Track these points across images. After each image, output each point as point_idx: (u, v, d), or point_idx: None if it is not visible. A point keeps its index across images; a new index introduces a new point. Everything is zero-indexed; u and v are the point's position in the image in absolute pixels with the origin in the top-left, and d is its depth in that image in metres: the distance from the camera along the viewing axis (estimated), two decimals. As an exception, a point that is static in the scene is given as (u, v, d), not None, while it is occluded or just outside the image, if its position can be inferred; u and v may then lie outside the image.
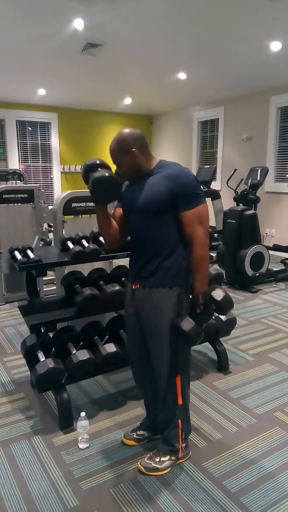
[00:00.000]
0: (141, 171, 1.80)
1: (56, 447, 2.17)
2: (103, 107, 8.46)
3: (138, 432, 2.18)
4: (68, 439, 2.23)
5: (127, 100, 7.88)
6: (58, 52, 5.00)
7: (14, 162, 8.05)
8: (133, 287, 1.91)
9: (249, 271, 4.85)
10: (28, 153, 8.27)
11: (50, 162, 8.53)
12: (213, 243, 5.68)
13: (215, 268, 3.00)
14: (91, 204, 3.20)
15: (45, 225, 5.07)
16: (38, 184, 7.45)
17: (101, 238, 2.69)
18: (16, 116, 7.95)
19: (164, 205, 1.74)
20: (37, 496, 1.85)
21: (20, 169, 7.57)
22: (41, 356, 2.36)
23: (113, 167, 1.82)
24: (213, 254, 5.18)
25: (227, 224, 5.04)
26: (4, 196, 4.35)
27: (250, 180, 5.73)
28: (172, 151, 8.81)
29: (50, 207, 4.69)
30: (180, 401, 1.94)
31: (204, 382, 2.80)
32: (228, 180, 6.19)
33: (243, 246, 4.88)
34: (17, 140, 8.07)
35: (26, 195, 4.48)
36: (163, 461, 1.98)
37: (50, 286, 4.70)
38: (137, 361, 2.05)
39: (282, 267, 5.54)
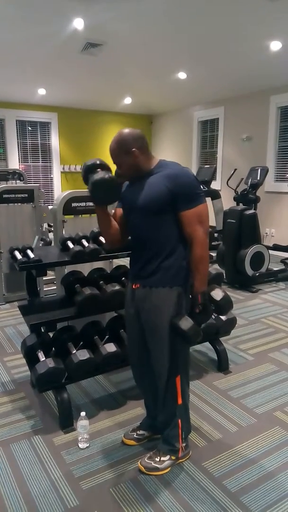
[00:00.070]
0: (141, 171, 1.80)
1: (56, 447, 2.17)
2: (103, 107, 8.46)
3: (138, 432, 2.19)
4: (68, 439, 2.23)
5: (127, 100, 7.88)
6: (58, 52, 5.00)
7: (14, 162, 8.05)
8: (133, 286, 1.91)
9: (249, 271, 4.85)
10: (28, 153, 8.27)
11: (50, 162, 8.53)
12: (213, 243, 5.68)
13: (215, 268, 3.00)
14: (91, 204, 3.19)
15: (45, 225, 5.07)
16: (38, 184, 7.45)
17: (101, 238, 2.69)
18: (16, 116, 7.95)
19: (164, 205, 1.74)
20: (37, 496, 1.85)
21: (20, 169, 7.57)
22: (41, 356, 2.36)
23: (113, 167, 1.82)
24: (213, 254, 5.18)
25: (227, 223, 5.04)
26: (4, 196, 4.35)
27: (250, 180, 5.73)
28: (172, 150, 8.81)
29: (50, 207, 4.69)
30: (180, 401, 1.94)
31: (204, 382, 2.80)
32: (228, 179, 6.19)
33: (243, 245, 4.88)
34: (17, 140, 8.07)
35: (26, 195, 4.48)
36: (163, 461, 1.98)
37: (50, 286, 4.70)
38: (137, 361, 2.05)
39: (282, 266, 5.54)
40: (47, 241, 4.71)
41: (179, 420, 1.96)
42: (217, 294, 2.82)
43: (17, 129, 8.03)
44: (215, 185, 7.19)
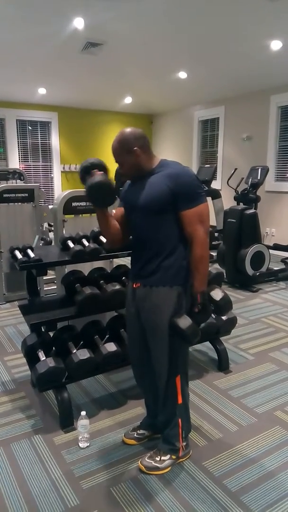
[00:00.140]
0: (142, 170, 1.80)
1: (56, 446, 2.17)
2: (103, 106, 8.46)
3: (138, 431, 2.19)
4: (69, 438, 2.23)
5: (127, 100, 7.87)
6: (58, 52, 4.99)
7: (14, 162, 8.05)
8: (134, 286, 1.92)
9: (249, 270, 4.85)
10: (29, 153, 8.27)
11: (50, 162, 8.53)
12: (213, 242, 5.68)
13: (215, 268, 3.00)
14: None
15: (46, 225, 5.07)
16: (38, 184, 7.46)
17: (102, 237, 2.69)
18: (16, 115, 7.94)
19: (165, 204, 1.74)
20: (37, 495, 1.85)
21: (20, 169, 7.57)
22: (41, 355, 2.36)
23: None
24: (214, 254, 5.18)
25: (227, 223, 5.04)
26: (5, 195, 4.35)
27: (250, 179, 5.73)
28: (173, 150, 8.81)
29: (50, 207, 4.69)
30: (180, 400, 1.94)
31: (204, 381, 2.80)
32: (229, 179, 6.19)
33: (243, 245, 4.88)
34: (17, 139, 8.07)
35: (27, 195, 4.48)
36: (164, 460, 1.98)
37: (50, 286, 4.70)
38: (138, 360, 2.05)
39: (282, 266, 5.54)
40: (47, 241, 4.72)
41: (179, 420, 1.96)
42: (217, 294, 2.83)
43: (17, 129, 8.02)
44: (215, 185, 7.19)
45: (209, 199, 6.37)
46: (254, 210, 5.06)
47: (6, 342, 3.47)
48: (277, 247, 5.98)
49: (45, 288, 4.61)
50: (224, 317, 2.90)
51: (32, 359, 2.40)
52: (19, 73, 5.95)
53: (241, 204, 5.51)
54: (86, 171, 1.82)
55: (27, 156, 8.26)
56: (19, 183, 6.41)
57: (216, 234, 6.38)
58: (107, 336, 2.65)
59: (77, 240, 2.69)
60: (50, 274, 4.68)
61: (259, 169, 5.77)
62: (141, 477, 1.95)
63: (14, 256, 2.59)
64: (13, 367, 3.04)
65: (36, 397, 2.63)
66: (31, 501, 1.82)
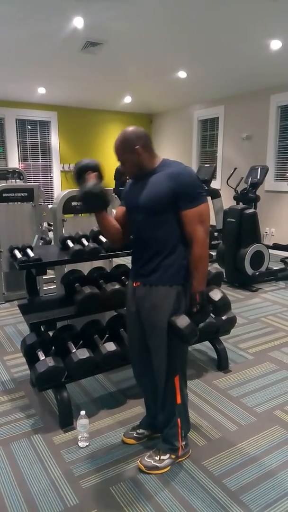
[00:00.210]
0: (144, 169, 1.80)
1: (56, 446, 2.17)
2: (103, 105, 8.45)
3: (138, 431, 2.19)
4: (68, 438, 2.23)
5: (127, 99, 7.87)
6: (58, 51, 4.99)
7: (13, 161, 8.05)
8: (134, 284, 1.92)
9: (249, 270, 4.85)
10: (28, 152, 8.27)
11: (50, 161, 8.53)
12: (213, 242, 5.69)
13: (215, 267, 3.00)
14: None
15: (45, 224, 5.06)
16: (38, 183, 7.45)
17: (101, 237, 2.69)
18: (15, 114, 7.94)
19: (166, 204, 1.74)
20: (37, 495, 1.85)
21: (20, 168, 7.57)
22: (41, 355, 2.36)
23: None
24: (213, 253, 5.19)
25: (227, 223, 5.04)
26: (4, 195, 4.35)
27: (250, 179, 5.73)
28: (172, 149, 8.80)
29: (50, 206, 4.69)
30: (179, 400, 1.94)
31: (204, 381, 2.80)
32: (228, 179, 6.19)
33: (243, 245, 4.88)
34: (17, 138, 8.06)
35: (26, 194, 4.48)
36: (163, 460, 1.98)
37: (50, 285, 4.70)
38: (138, 360, 2.05)
39: (282, 266, 5.54)
40: (47, 240, 4.71)
41: (178, 420, 1.96)
42: (216, 294, 2.84)
43: (16, 128, 8.02)
44: (215, 184, 7.19)
45: (208, 198, 6.36)
46: (254, 210, 5.06)
47: (6, 341, 3.47)
48: (276, 246, 5.98)
49: (44, 288, 4.61)
50: (223, 317, 2.90)
51: (31, 359, 2.40)
52: (19, 72, 5.95)
53: (241, 203, 5.51)
54: (80, 174, 1.84)
55: (26, 155, 8.25)
56: (19, 183, 6.41)
57: (215, 234, 6.39)
58: (106, 335, 2.64)
59: (76, 240, 2.69)
60: (50, 274, 4.68)
61: (259, 169, 5.77)
62: (141, 476, 1.95)
63: (14, 256, 2.58)
64: (13, 366, 3.03)
65: (35, 397, 2.63)
66: (31, 501, 1.82)
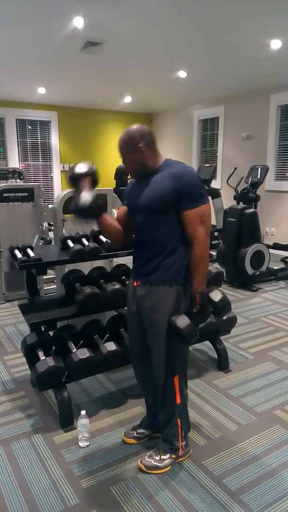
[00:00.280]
0: (147, 168, 1.80)
1: (56, 446, 2.17)
2: (103, 105, 8.45)
3: (138, 431, 2.19)
4: (69, 438, 2.23)
5: (127, 99, 7.87)
6: (58, 51, 4.99)
7: (14, 161, 8.05)
8: (135, 284, 1.92)
9: (249, 270, 4.85)
10: (28, 152, 8.27)
11: (50, 161, 8.53)
12: (213, 242, 5.69)
13: (215, 267, 3.00)
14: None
15: (45, 224, 5.07)
16: (38, 183, 7.45)
17: (102, 237, 2.69)
18: (16, 114, 7.94)
19: (168, 204, 1.74)
20: (37, 494, 1.85)
21: (20, 168, 7.56)
22: (41, 355, 2.36)
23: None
24: (213, 253, 5.18)
25: (227, 222, 5.04)
26: (4, 194, 4.35)
27: (250, 179, 5.72)
28: (172, 149, 8.80)
29: (50, 206, 4.69)
30: (178, 400, 1.94)
31: (204, 381, 2.80)
32: (229, 178, 6.18)
33: (243, 244, 4.88)
34: (17, 138, 8.07)
35: (26, 194, 4.48)
36: (163, 459, 1.98)
37: (50, 285, 4.70)
38: (138, 359, 2.06)
39: (282, 265, 5.54)
40: (47, 240, 4.71)
41: (178, 420, 1.96)
42: (216, 295, 2.84)
43: (17, 128, 8.02)
44: (215, 184, 7.18)
45: (209, 198, 6.36)
46: (254, 210, 5.06)
47: (6, 341, 3.47)
48: (277, 246, 5.98)
49: (45, 288, 4.61)
50: (224, 317, 2.90)
51: (32, 359, 2.40)
52: (19, 72, 5.95)
53: (241, 203, 5.51)
54: (74, 181, 1.84)
55: (26, 155, 8.26)
56: (19, 183, 6.41)
57: (216, 234, 6.39)
58: (107, 335, 2.65)
59: (76, 240, 2.69)
60: (50, 274, 4.68)
61: (259, 168, 5.76)
62: (141, 476, 1.95)
63: (14, 256, 2.58)
64: (13, 366, 3.04)
65: (36, 397, 2.63)
66: (31, 500, 1.82)
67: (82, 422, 2.15)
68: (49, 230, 5.08)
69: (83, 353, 2.35)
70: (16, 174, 6.53)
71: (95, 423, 2.33)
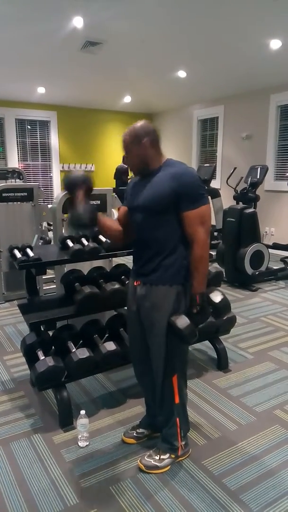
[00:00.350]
0: (148, 166, 1.80)
1: (56, 445, 2.17)
2: (103, 105, 8.45)
3: (138, 430, 2.19)
4: (68, 437, 2.23)
5: (127, 99, 7.87)
6: (58, 51, 4.99)
7: (13, 161, 8.04)
8: (135, 283, 1.93)
9: (248, 270, 4.85)
10: (28, 152, 8.27)
11: (49, 161, 8.53)
12: (212, 242, 5.69)
13: (214, 267, 3.00)
14: (91, 202, 3.21)
15: (45, 224, 5.06)
16: (37, 183, 7.45)
17: (101, 237, 2.69)
18: (15, 114, 7.94)
19: (168, 204, 1.74)
20: (37, 494, 1.85)
21: (20, 168, 7.56)
22: (40, 355, 2.36)
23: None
24: (213, 253, 5.18)
25: (227, 222, 5.04)
26: (4, 194, 4.35)
27: (250, 179, 5.72)
28: (172, 149, 8.79)
29: (49, 206, 4.68)
30: (177, 400, 1.94)
31: (204, 380, 2.80)
32: (228, 178, 6.19)
33: (242, 244, 4.88)
34: (17, 138, 8.06)
35: (26, 194, 4.48)
36: (163, 459, 1.98)
37: (49, 285, 4.70)
38: (138, 359, 2.06)
39: (281, 265, 5.54)
40: (46, 240, 4.71)
41: (177, 419, 1.96)
42: (216, 296, 2.84)
43: (16, 128, 8.02)
44: (214, 184, 7.18)
45: (208, 198, 6.36)
46: (254, 209, 5.06)
47: (5, 341, 3.47)
48: (276, 246, 5.98)
49: (44, 287, 4.60)
50: (223, 317, 2.89)
51: (31, 358, 2.40)
52: (18, 72, 5.95)
53: (241, 203, 5.50)
54: (70, 190, 1.86)
55: (26, 155, 8.25)
56: (18, 182, 6.40)
57: (215, 233, 6.38)
58: (106, 335, 2.64)
59: (76, 239, 2.68)
60: (50, 273, 4.67)
61: (259, 168, 5.76)
62: (141, 476, 1.95)
63: (13, 255, 2.58)
64: (12, 366, 3.03)
65: (35, 396, 2.63)
66: (31, 500, 1.82)
67: (82, 422, 2.15)
68: (49, 230, 5.08)
69: (82, 353, 2.35)
70: (16, 174, 6.53)
71: (94, 423, 2.33)
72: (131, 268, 2.04)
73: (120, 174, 7.62)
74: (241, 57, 5.23)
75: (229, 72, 5.99)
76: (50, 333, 2.60)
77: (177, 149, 8.65)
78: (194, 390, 2.67)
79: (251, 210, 4.95)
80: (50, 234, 4.93)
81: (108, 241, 2.57)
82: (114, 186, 7.83)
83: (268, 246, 5.18)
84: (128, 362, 2.45)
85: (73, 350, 2.40)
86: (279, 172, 6.72)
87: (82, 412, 2.17)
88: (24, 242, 2.73)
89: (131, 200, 1.90)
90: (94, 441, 2.19)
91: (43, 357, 2.32)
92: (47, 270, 3.50)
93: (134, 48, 4.97)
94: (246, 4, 3.69)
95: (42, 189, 5.38)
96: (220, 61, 5.46)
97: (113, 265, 2.92)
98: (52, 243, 4.35)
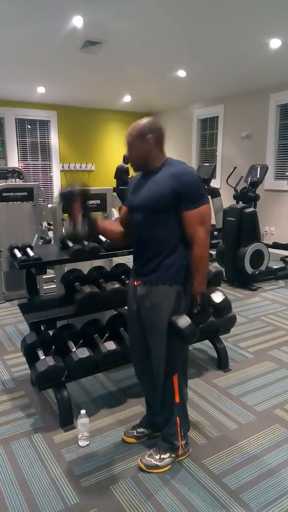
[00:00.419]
0: (149, 163, 1.80)
1: (56, 445, 2.17)
2: (103, 105, 8.45)
3: (138, 430, 2.19)
4: (68, 437, 2.23)
5: (127, 98, 7.87)
6: (57, 50, 4.99)
7: (13, 160, 8.05)
8: (135, 283, 1.93)
9: (248, 269, 4.85)
10: (28, 151, 8.27)
11: (49, 160, 8.53)
12: (212, 241, 5.69)
13: (214, 266, 3.00)
14: (91, 202, 3.21)
15: (45, 223, 5.06)
16: (37, 182, 7.45)
17: (101, 236, 2.69)
18: (15, 114, 7.94)
19: (168, 204, 1.74)
20: (37, 494, 1.85)
21: (20, 167, 7.56)
22: (41, 354, 2.36)
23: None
24: (213, 252, 5.18)
25: (226, 222, 5.04)
26: (4, 194, 4.35)
27: (249, 178, 5.72)
28: (172, 149, 8.79)
29: (49, 205, 4.69)
30: (177, 399, 1.94)
31: (204, 380, 2.80)
32: (228, 178, 6.19)
33: (242, 244, 4.88)
34: (17, 138, 8.06)
35: (26, 193, 4.48)
36: (163, 459, 1.98)
37: (50, 284, 4.70)
38: (139, 358, 2.06)
39: (281, 265, 5.54)
40: (46, 239, 4.71)
41: (177, 418, 1.96)
42: (218, 296, 2.83)
43: (16, 128, 8.02)
44: (214, 183, 7.19)
45: (208, 197, 6.36)
46: (254, 209, 5.06)
47: (6, 341, 3.47)
48: (276, 245, 5.98)
49: (44, 287, 4.61)
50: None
51: (31, 358, 2.40)
52: (18, 71, 5.94)
53: (241, 202, 5.51)
54: (67, 203, 1.88)
55: (26, 155, 8.25)
56: (18, 182, 6.40)
57: (215, 233, 6.39)
58: (106, 334, 2.65)
59: (76, 239, 2.68)
60: (50, 273, 4.68)
61: (259, 168, 5.76)
62: (141, 475, 1.95)
63: (14, 255, 2.58)
64: (13, 366, 3.04)
65: (35, 396, 2.63)
66: (31, 500, 1.82)
67: (82, 421, 2.15)
68: (49, 230, 5.08)
69: (82, 353, 2.35)
70: (16, 173, 6.53)
71: (95, 423, 2.34)
72: (131, 267, 2.04)
73: (120, 174, 7.61)
74: (241, 56, 5.22)
75: (229, 72, 5.98)
76: (50, 332, 2.61)
77: (177, 149, 8.64)
78: (194, 390, 2.67)
79: (251, 209, 4.95)
80: (50, 233, 4.93)
81: (108, 240, 2.58)
82: (115, 186, 7.83)
83: (268, 246, 5.18)
84: (128, 361, 2.46)
85: (73, 350, 2.40)
86: (279, 171, 6.72)
87: (83, 411, 2.17)
88: (24, 242, 2.74)
89: (131, 200, 1.90)
90: (95, 441, 2.19)
91: (44, 357, 2.32)
92: (47, 269, 3.50)
93: (134, 48, 4.97)
94: (246, 4, 3.68)
95: (42, 188, 5.38)
96: (220, 60, 5.45)
97: (113, 265, 2.92)
98: (52, 242, 4.35)
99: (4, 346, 3.38)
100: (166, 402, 1.95)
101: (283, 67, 5.62)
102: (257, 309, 4.21)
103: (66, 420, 2.32)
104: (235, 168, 6.20)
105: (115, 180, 7.85)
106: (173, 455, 2.01)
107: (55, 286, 4.20)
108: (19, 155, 8.15)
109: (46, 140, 8.42)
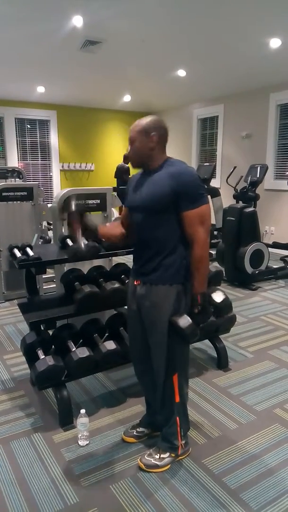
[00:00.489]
0: (150, 161, 1.80)
1: (56, 444, 2.17)
2: (103, 104, 8.45)
3: (138, 429, 2.19)
4: (68, 436, 2.23)
5: (127, 98, 7.86)
6: (57, 50, 4.99)
7: (13, 160, 8.04)
8: (135, 283, 1.93)
9: (248, 269, 4.85)
10: (27, 151, 8.26)
11: (49, 160, 8.52)
12: (212, 241, 5.69)
13: (214, 266, 3.00)
14: (91, 202, 3.22)
15: (45, 223, 5.07)
16: (37, 182, 7.44)
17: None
18: (15, 113, 7.93)
19: (168, 203, 1.74)
20: (37, 493, 1.85)
21: (19, 167, 7.55)
22: (40, 354, 2.36)
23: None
24: (213, 252, 5.18)
25: (226, 221, 5.04)
26: (3, 194, 4.35)
27: (249, 178, 5.72)
28: (172, 148, 8.75)
29: (49, 205, 4.68)
30: (177, 399, 1.94)
31: (204, 379, 2.80)
32: (228, 177, 6.18)
33: (242, 243, 4.88)
34: (16, 137, 8.06)
35: (26, 193, 4.48)
36: (163, 458, 1.98)
37: (49, 284, 4.70)
38: (139, 357, 2.06)
39: (281, 264, 5.54)
40: (46, 239, 4.71)
41: (177, 418, 1.96)
42: (218, 296, 2.83)
43: (16, 127, 8.01)
44: (214, 183, 7.18)
45: (208, 197, 6.36)
46: (253, 208, 5.06)
47: (5, 340, 3.47)
48: (276, 245, 5.98)
49: (44, 287, 4.61)
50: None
51: (31, 358, 2.40)
52: (18, 71, 5.94)
53: (240, 202, 5.50)
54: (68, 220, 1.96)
55: (26, 154, 8.25)
56: (18, 182, 6.40)
57: (215, 232, 6.38)
58: (106, 334, 2.65)
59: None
60: (49, 273, 4.67)
61: (258, 167, 5.76)
62: (141, 474, 1.95)
63: (13, 255, 2.58)
64: (13, 365, 3.04)
65: (35, 396, 2.63)
66: (31, 499, 1.82)
67: (82, 421, 2.15)
68: (48, 229, 5.08)
69: (82, 352, 2.35)
70: (15, 173, 6.53)
71: (94, 422, 2.34)
72: (131, 267, 2.04)
73: (121, 173, 7.60)
74: (241, 56, 5.22)
75: (229, 71, 5.98)
76: (50, 332, 2.60)
77: (177, 148, 8.64)
78: (194, 389, 2.67)
79: (251, 209, 4.95)
80: (50, 233, 4.93)
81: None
82: (115, 185, 7.82)
83: (268, 245, 5.18)
84: (128, 361, 2.46)
85: (73, 349, 2.40)
86: (279, 171, 6.72)
87: (82, 411, 2.17)
88: (24, 241, 2.73)
89: (131, 200, 1.90)
90: (94, 440, 2.19)
91: (43, 356, 2.32)
92: (47, 269, 3.50)
93: (134, 48, 4.97)
94: (246, 4, 3.69)
95: (42, 188, 5.37)
96: (220, 60, 5.45)
97: (113, 264, 2.92)
98: (52, 242, 4.35)
99: (3, 345, 3.38)
100: (166, 402, 1.95)
101: (283, 67, 5.62)
102: (257, 309, 4.21)
103: (66, 420, 2.32)
104: (235, 167, 6.20)
105: (115, 179, 7.85)
106: (173, 455, 2.01)
107: (54, 285, 4.19)
108: (19, 155, 8.15)
109: (46, 140, 8.42)
